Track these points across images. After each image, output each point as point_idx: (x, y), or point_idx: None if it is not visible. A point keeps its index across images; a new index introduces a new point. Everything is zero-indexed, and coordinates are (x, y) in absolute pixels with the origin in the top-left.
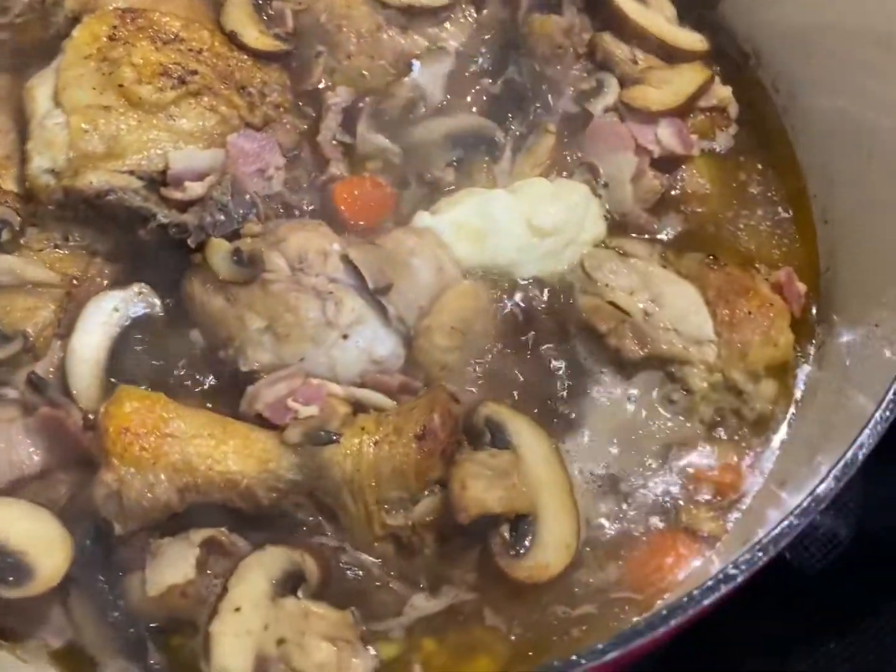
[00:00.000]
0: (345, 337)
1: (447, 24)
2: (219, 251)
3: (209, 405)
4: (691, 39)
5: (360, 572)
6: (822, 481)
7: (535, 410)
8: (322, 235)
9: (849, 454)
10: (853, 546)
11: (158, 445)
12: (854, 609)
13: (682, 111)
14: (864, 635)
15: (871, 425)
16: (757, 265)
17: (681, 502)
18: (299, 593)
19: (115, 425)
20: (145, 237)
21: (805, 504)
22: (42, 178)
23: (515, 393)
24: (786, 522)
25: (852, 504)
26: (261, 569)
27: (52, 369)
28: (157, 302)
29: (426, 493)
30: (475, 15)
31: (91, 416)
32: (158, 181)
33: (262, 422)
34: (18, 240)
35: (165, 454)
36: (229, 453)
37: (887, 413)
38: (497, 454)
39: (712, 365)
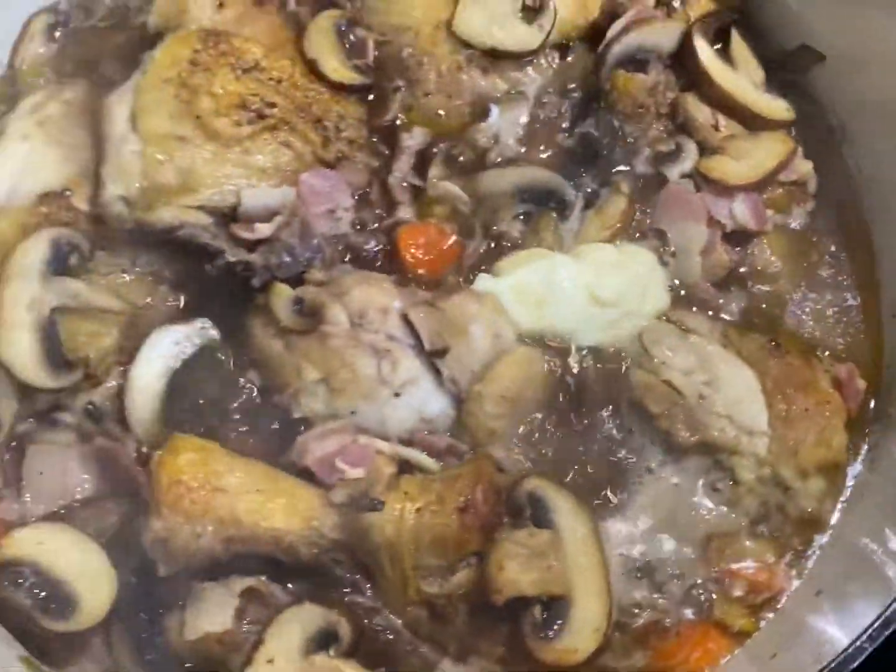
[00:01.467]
0: (397, 395)
1: (529, 70)
2: (281, 297)
3: (257, 447)
4: (777, 108)
5: (392, 635)
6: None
7: (579, 484)
8: (384, 292)
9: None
10: None
11: (209, 500)
12: None
13: (761, 185)
14: None
15: None
16: (819, 353)
17: (714, 595)
18: (331, 651)
19: (169, 476)
20: (211, 272)
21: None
22: (115, 205)
23: (560, 465)
24: None
25: None
26: (297, 624)
27: (109, 398)
28: (217, 338)
29: (463, 564)
30: (558, 62)
31: (145, 450)
32: (228, 216)
33: (307, 474)
34: (86, 264)
35: (214, 508)
36: (276, 511)
37: None
38: (536, 533)
39: (762, 458)
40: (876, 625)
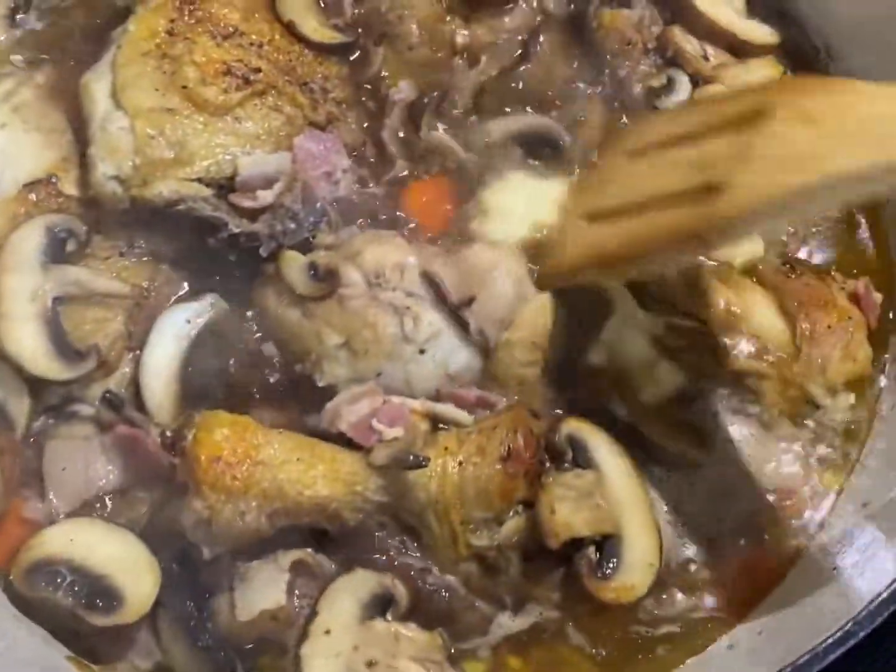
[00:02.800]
0: (422, 352)
1: (509, 18)
2: (294, 264)
3: (283, 419)
4: (761, 33)
5: (446, 593)
6: None
7: (612, 427)
8: (397, 248)
9: None
10: None
11: (250, 474)
12: None
13: None
14: None
15: None
16: (832, 273)
17: (761, 521)
18: (388, 615)
19: (207, 454)
20: (214, 245)
21: None
22: (108, 185)
23: (590, 409)
24: None
25: None
26: (350, 592)
27: (125, 385)
28: (228, 312)
29: (511, 513)
30: (537, 4)
31: (168, 433)
32: (226, 188)
33: (342, 440)
34: (84, 249)
35: (257, 482)
36: (318, 477)
37: None
38: (581, 474)
39: (790, 379)
40: None
